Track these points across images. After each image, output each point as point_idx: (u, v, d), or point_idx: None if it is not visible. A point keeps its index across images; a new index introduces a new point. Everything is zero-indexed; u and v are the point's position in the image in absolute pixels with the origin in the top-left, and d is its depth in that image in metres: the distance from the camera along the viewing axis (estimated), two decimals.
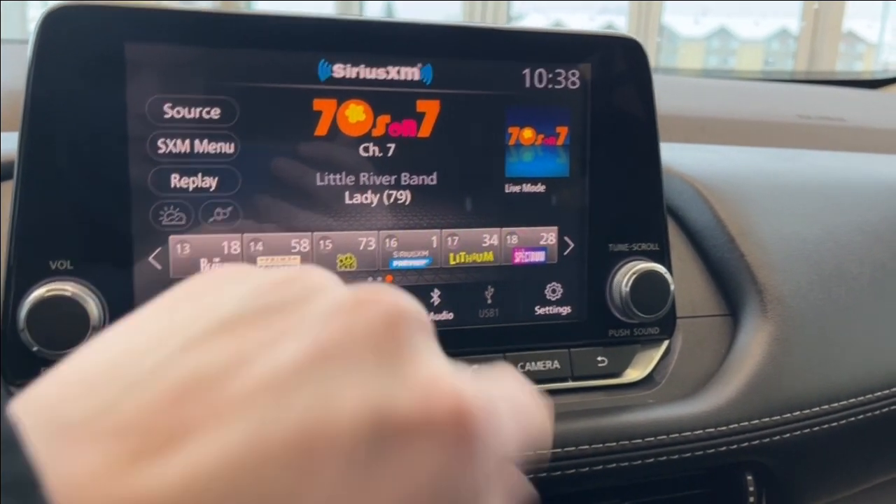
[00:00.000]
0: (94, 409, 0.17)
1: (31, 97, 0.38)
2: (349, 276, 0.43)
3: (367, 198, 0.43)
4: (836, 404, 0.49)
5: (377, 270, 0.44)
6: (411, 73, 0.43)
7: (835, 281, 0.53)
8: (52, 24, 0.38)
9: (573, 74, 0.46)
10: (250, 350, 0.18)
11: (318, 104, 0.42)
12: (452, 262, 0.45)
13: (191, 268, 0.41)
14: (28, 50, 0.38)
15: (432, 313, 0.45)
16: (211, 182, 0.41)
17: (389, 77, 0.43)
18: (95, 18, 0.38)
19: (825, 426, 0.49)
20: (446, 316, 0.45)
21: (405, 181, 0.44)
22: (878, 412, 0.51)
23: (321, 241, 0.43)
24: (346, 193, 0.43)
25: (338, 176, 0.42)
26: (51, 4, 0.38)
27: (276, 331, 0.19)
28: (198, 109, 0.40)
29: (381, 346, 0.19)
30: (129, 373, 0.18)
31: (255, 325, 0.19)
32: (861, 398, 0.50)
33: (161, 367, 0.18)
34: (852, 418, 0.50)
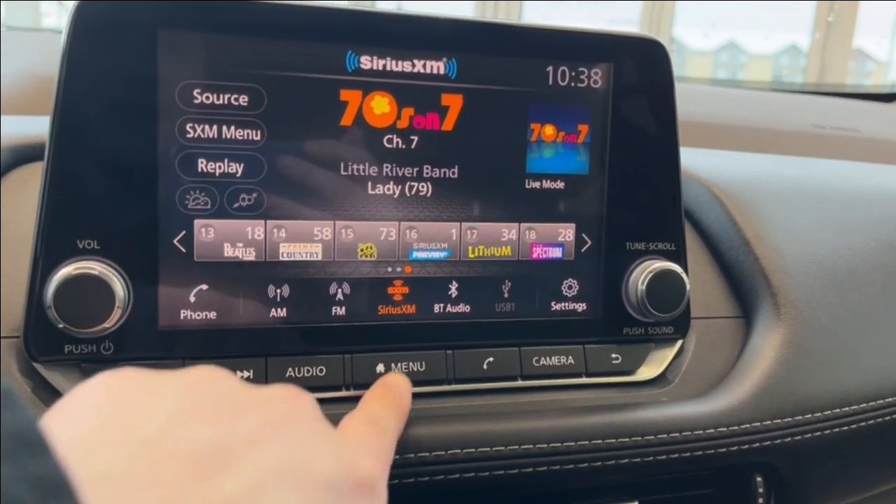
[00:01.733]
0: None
1: (63, 82, 0.38)
2: (370, 266, 0.44)
3: (389, 189, 0.44)
4: (847, 408, 0.50)
5: (397, 261, 0.44)
6: (436, 66, 0.44)
7: (848, 286, 0.54)
8: (86, 10, 0.38)
9: (596, 73, 0.46)
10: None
11: (345, 95, 0.42)
12: (471, 256, 0.45)
13: (214, 252, 0.41)
14: (62, 36, 0.38)
15: (449, 305, 0.45)
16: (237, 168, 0.41)
17: (415, 70, 0.43)
18: (129, 5, 0.39)
19: (836, 430, 0.49)
20: (463, 308, 0.46)
21: (427, 173, 0.44)
22: (889, 417, 0.51)
23: (343, 230, 0.43)
24: (369, 184, 0.43)
25: (361, 166, 0.43)
26: None
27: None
28: (227, 96, 0.41)
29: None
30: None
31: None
32: (872, 403, 0.51)
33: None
34: (863, 423, 0.50)
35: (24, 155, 0.48)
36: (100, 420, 0.24)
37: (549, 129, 0.46)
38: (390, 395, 0.39)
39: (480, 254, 0.46)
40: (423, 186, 0.44)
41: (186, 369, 0.29)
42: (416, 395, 0.44)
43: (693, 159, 0.59)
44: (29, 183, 0.46)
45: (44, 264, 0.38)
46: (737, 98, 0.99)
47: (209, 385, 0.28)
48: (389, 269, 0.44)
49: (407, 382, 0.41)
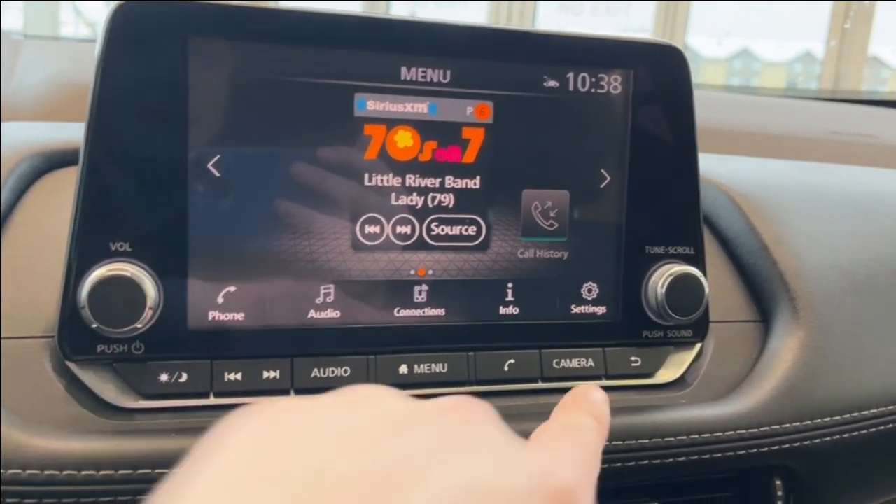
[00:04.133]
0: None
1: (98, 88, 0.39)
2: (392, 269, 0.44)
3: (412, 199, 0.45)
4: (866, 412, 0.50)
5: (418, 262, 0.45)
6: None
7: (867, 291, 0.54)
8: (120, 19, 0.40)
9: (616, 80, 0.47)
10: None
11: (372, 104, 0.43)
12: (491, 259, 0.46)
13: (242, 255, 0.42)
14: (97, 44, 0.40)
15: (470, 308, 0.46)
16: (261, 174, 0.42)
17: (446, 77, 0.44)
18: (162, 13, 0.40)
19: (855, 433, 0.50)
20: (484, 311, 0.46)
21: (448, 184, 0.45)
22: None
23: (364, 233, 0.44)
24: (392, 195, 0.44)
25: (385, 177, 0.44)
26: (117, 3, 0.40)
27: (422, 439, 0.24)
28: (253, 104, 0.42)
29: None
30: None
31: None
32: (892, 407, 0.51)
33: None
34: (882, 427, 0.50)
35: (56, 160, 0.49)
36: (251, 464, 0.22)
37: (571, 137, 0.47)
38: (585, 404, 0.34)
39: (500, 257, 0.46)
40: (444, 197, 0.45)
41: (336, 392, 0.27)
42: (437, 397, 0.45)
43: (711, 165, 0.60)
44: (60, 187, 0.47)
45: (78, 266, 0.39)
46: (753, 104, 1.00)
47: (363, 407, 0.25)
48: (412, 273, 0.45)
49: (602, 393, 0.36)
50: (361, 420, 0.24)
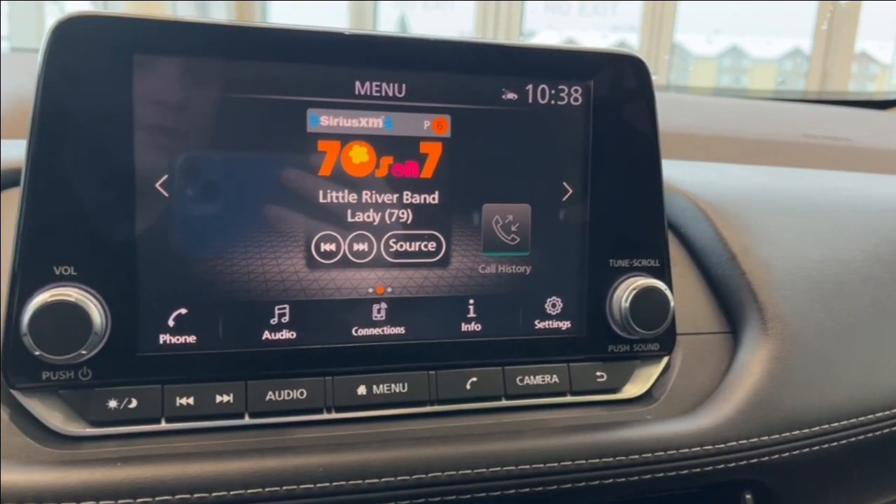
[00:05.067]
0: None
1: (39, 106, 0.38)
2: (349, 287, 0.43)
3: (368, 216, 0.44)
4: (835, 424, 0.49)
5: (375, 280, 0.44)
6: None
7: (836, 300, 0.53)
8: (63, 34, 0.38)
9: (576, 91, 0.46)
10: None
11: (325, 119, 0.42)
12: (451, 275, 0.45)
13: (193, 276, 0.41)
14: (38, 59, 0.39)
15: (430, 325, 0.45)
16: (213, 192, 0.41)
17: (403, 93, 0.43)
18: (106, 29, 0.39)
19: (825, 446, 0.49)
20: (444, 328, 0.45)
21: (407, 199, 0.44)
22: (878, 433, 0.51)
23: (320, 252, 0.43)
24: (349, 211, 0.43)
25: (340, 194, 0.43)
26: (63, 15, 0.39)
27: None
28: (201, 121, 0.41)
29: None
30: None
31: None
32: (861, 418, 0.50)
33: None
34: (852, 438, 0.50)
35: (6, 180, 0.48)
36: None
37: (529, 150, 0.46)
38: None
39: (461, 273, 0.45)
40: (403, 213, 0.44)
41: None
42: (397, 417, 0.44)
43: (679, 173, 0.59)
44: (9, 209, 0.46)
45: (20, 291, 0.38)
46: (730, 108, 0.99)
47: None
48: (370, 291, 0.44)
49: None
50: None
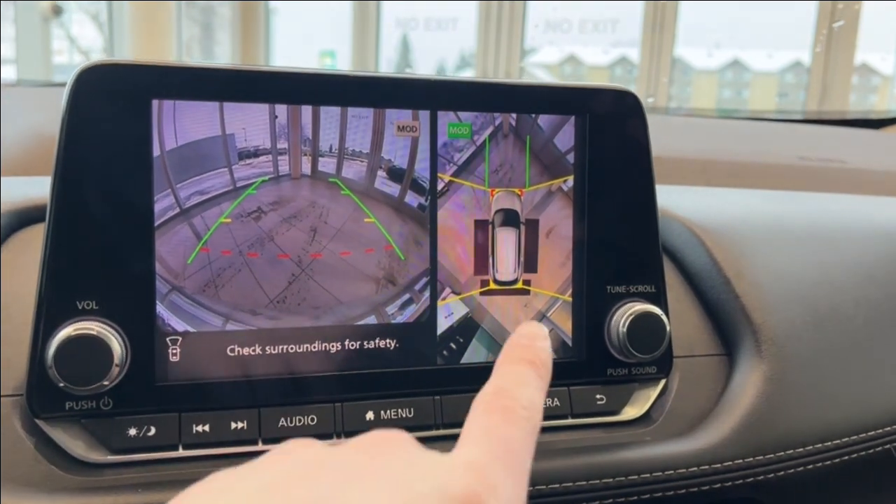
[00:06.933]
0: None
1: (63, 148, 0.40)
2: (355, 315, 0.45)
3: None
4: (829, 443, 0.51)
5: (375, 310, 0.46)
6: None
7: (830, 322, 0.55)
8: (84, 81, 0.41)
9: (570, 125, 0.48)
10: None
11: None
12: (450, 300, 0.47)
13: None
14: (62, 102, 0.41)
15: (435, 352, 0.47)
16: (228, 230, 0.43)
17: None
18: (124, 75, 0.41)
19: (819, 465, 0.50)
20: (446, 354, 0.47)
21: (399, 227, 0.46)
22: (871, 451, 0.52)
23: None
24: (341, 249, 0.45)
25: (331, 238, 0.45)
26: (85, 63, 0.41)
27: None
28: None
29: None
30: None
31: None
32: (855, 437, 0.52)
33: None
34: (846, 457, 0.51)
35: (28, 217, 0.50)
36: None
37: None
38: (528, 354, 0.34)
39: (465, 301, 0.47)
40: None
41: (271, 452, 0.28)
42: None
43: (674, 198, 0.61)
44: (32, 245, 0.48)
45: (45, 326, 0.40)
46: (726, 130, 1.01)
47: (279, 461, 0.27)
48: (374, 319, 0.46)
49: (542, 332, 0.36)
50: (275, 474, 0.25)
